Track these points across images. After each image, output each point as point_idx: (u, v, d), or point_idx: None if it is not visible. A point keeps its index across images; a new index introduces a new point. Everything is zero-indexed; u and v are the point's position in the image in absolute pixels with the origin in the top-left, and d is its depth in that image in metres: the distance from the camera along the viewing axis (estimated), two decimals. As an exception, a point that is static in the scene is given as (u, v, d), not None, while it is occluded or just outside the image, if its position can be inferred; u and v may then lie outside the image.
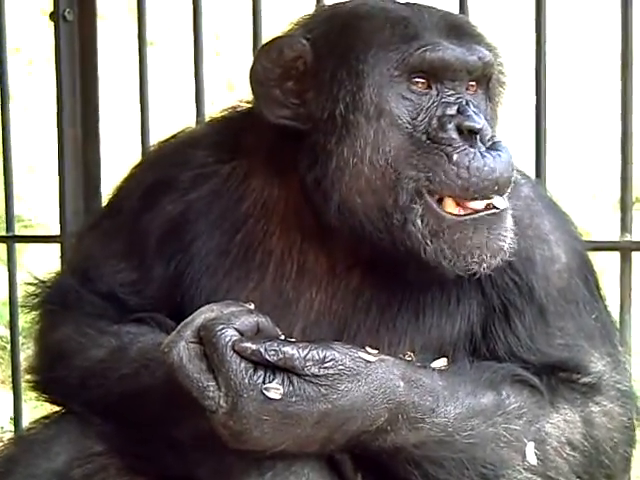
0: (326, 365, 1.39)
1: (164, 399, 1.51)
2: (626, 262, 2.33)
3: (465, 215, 1.52)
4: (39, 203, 5.78)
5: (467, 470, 1.49)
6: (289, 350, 1.38)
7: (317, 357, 1.39)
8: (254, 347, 1.38)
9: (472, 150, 1.51)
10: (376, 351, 1.47)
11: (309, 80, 1.58)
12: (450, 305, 1.64)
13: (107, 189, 2.36)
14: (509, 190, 1.55)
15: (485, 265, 1.53)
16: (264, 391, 1.37)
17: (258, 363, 1.38)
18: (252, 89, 1.63)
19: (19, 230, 3.22)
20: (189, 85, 2.66)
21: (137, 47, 2.70)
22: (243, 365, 1.37)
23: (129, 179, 1.86)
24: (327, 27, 1.62)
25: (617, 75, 2.33)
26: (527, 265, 1.64)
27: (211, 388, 1.38)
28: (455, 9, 2.38)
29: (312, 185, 1.58)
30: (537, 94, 2.37)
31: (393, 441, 1.46)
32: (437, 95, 1.56)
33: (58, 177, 2.80)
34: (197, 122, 2.29)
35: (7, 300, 2.93)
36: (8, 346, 4.40)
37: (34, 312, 1.85)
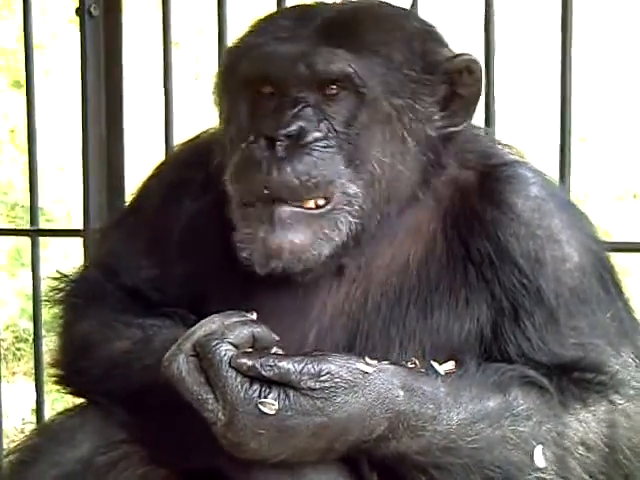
0: (322, 379, 1.40)
1: None
2: (650, 264, 2.33)
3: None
4: (62, 197, 5.82)
5: (474, 474, 1.49)
6: (285, 365, 1.39)
7: (313, 371, 1.40)
8: (250, 363, 1.39)
9: (261, 154, 1.51)
10: (375, 361, 1.46)
11: None
12: (458, 306, 1.64)
13: (131, 185, 2.38)
14: (313, 193, 1.53)
15: (292, 265, 1.53)
16: (259, 405, 1.38)
17: (254, 377, 1.39)
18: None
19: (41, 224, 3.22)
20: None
21: (162, 44, 2.70)
22: (239, 380, 1.39)
23: (151, 178, 1.89)
24: None
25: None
26: (536, 267, 1.63)
27: (210, 401, 1.40)
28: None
29: None
30: (562, 94, 2.36)
31: (396, 448, 1.46)
32: (278, 101, 1.58)
33: (82, 172, 2.82)
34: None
35: (30, 293, 2.96)
36: (31, 338, 4.44)
37: (58, 306, 1.86)
